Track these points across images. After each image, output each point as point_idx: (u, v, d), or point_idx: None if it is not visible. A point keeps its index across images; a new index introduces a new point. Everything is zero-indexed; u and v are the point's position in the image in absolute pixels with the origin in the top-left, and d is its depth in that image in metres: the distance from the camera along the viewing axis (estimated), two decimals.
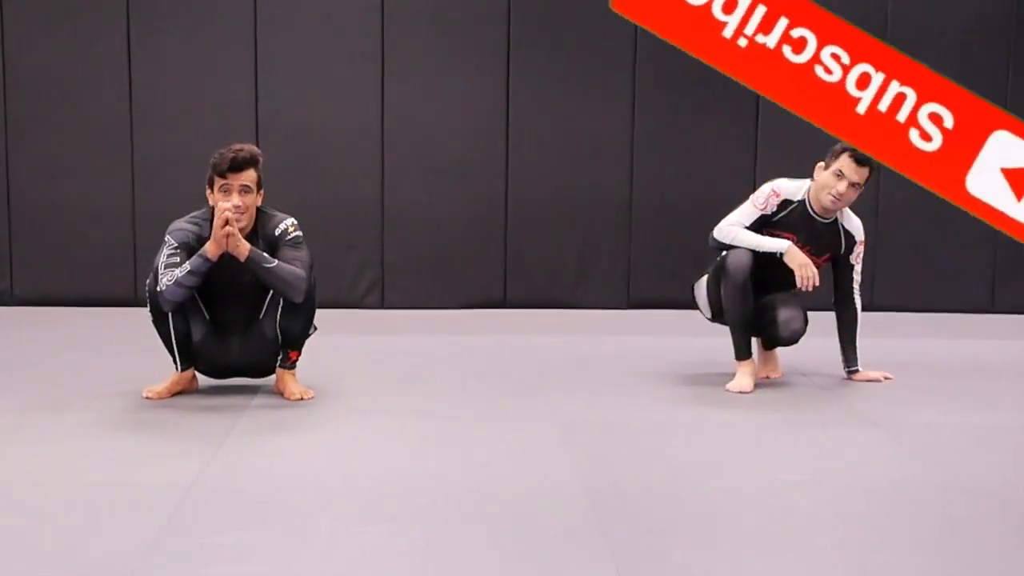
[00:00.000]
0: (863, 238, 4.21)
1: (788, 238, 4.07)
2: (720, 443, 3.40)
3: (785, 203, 4.12)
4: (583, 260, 6.49)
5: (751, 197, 4.17)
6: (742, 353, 4.11)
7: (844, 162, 4.01)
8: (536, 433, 3.46)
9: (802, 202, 4.12)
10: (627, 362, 4.70)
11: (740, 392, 4.03)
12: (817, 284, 3.99)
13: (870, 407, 3.88)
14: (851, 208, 4.20)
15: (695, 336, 5.01)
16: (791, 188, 4.15)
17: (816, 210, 4.11)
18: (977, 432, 3.57)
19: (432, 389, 4.13)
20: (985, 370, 4.73)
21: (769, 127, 6.43)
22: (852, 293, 4.22)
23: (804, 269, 3.97)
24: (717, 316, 4.22)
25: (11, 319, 5.90)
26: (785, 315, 4.10)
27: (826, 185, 4.05)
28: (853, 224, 4.20)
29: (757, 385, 4.15)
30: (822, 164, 4.10)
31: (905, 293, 6.52)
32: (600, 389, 4.16)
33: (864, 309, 6.38)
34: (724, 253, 4.10)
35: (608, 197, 6.45)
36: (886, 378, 4.27)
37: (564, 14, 6.33)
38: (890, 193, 6.50)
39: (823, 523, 2.66)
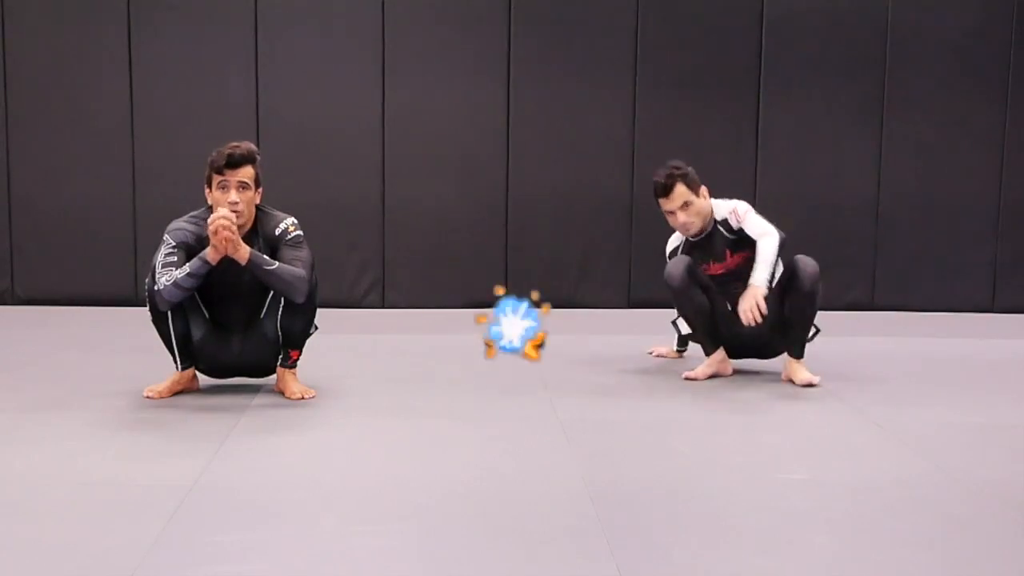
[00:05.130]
0: (731, 209, 4.24)
1: (708, 268, 4.30)
2: (720, 442, 3.40)
3: (679, 245, 4.42)
4: (584, 259, 6.50)
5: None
6: (706, 349, 4.34)
7: (661, 203, 4.26)
8: (536, 432, 3.47)
9: (685, 240, 4.37)
10: (627, 362, 4.70)
11: (688, 378, 4.28)
12: (759, 319, 4.01)
13: (870, 407, 3.88)
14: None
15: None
16: (676, 234, 4.43)
17: (690, 238, 4.34)
18: (977, 432, 3.57)
19: (432, 389, 4.13)
20: (986, 369, 4.74)
21: (769, 126, 6.43)
22: (758, 239, 4.16)
23: (745, 313, 4.04)
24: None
25: (12, 319, 5.90)
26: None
27: (672, 225, 4.32)
28: (720, 211, 4.27)
29: (758, 385, 4.17)
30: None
31: (905, 293, 6.53)
32: (600, 388, 4.16)
33: (864, 309, 6.45)
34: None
35: (609, 196, 6.46)
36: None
37: (565, 13, 6.33)
38: (890, 193, 6.51)
39: (823, 523, 2.66)
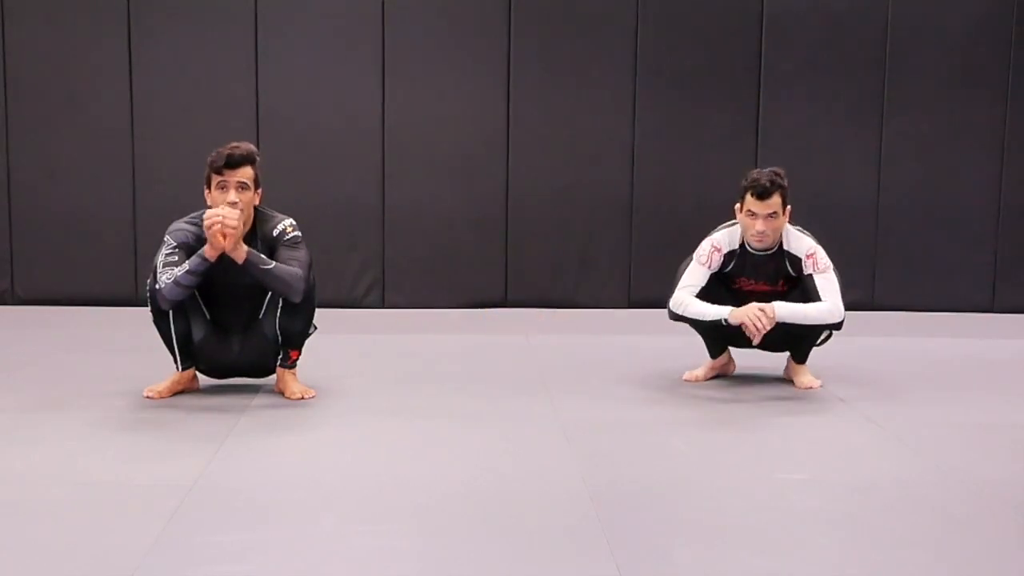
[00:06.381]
0: (811, 251, 4.08)
1: (743, 283, 4.13)
2: (720, 442, 3.40)
3: (729, 254, 4.12)
4: (583, 260, 6.49)
5: (695, 254, 4.16)
6: (711, 352, 4.35)
7: (750, 201, 4.01)
8: (536, 432, 3.47)
9: (741, 246, 4.11)
10: (627, 362, 4.70)
11: (687, 379, 4.32)
12: (765, 327, 3.89)
13: (870, 407, 3.88)
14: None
15: (695, 335, 5.00)
16: (727, 238, 4.14)
17: (754, 246, 4.08)
18: (977, 431, 3.57)
19: (432, 389, 4.13)
20: (986, 369, 4.74)
21: (769, 126, 6.43)
22: (821, 298, 4.05)
23: (750, 323, 3.89)
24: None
25: (11, 319, 5.90)
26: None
27: (746, 227, 4.06)
28: (794, 244, 4.09)
29: (758, 386, 4.17)
30: (738, 206, 4.09)
31: (905, 293, 6.52)
32: (600, 389, 4.16)
33: (864, 309, 6.43)
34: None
35: (609, 196, 6.45)
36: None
37: (565, 14, 6.33)
38: (890, 193, 6.51)
39: (823, 523, 2.66)
